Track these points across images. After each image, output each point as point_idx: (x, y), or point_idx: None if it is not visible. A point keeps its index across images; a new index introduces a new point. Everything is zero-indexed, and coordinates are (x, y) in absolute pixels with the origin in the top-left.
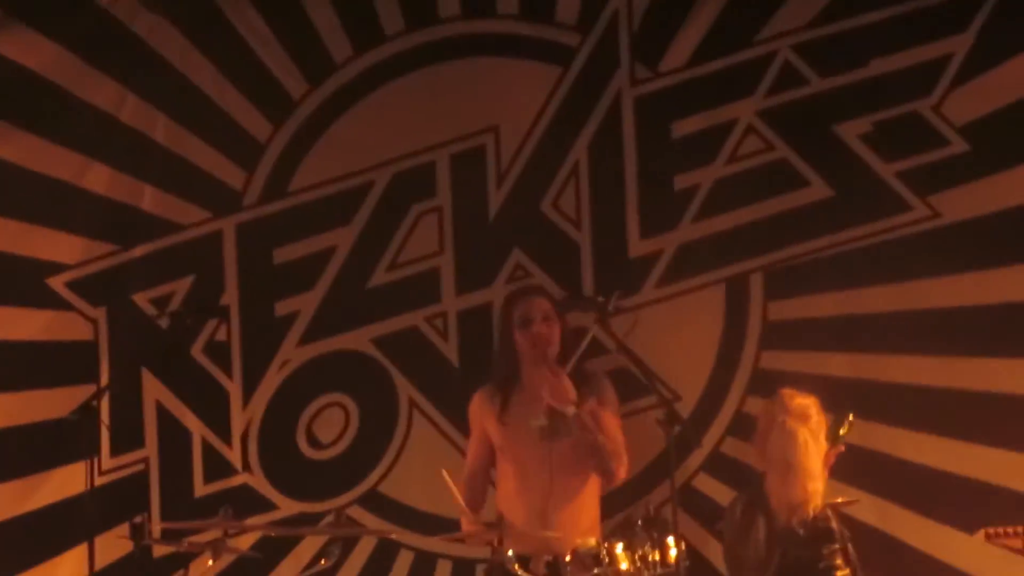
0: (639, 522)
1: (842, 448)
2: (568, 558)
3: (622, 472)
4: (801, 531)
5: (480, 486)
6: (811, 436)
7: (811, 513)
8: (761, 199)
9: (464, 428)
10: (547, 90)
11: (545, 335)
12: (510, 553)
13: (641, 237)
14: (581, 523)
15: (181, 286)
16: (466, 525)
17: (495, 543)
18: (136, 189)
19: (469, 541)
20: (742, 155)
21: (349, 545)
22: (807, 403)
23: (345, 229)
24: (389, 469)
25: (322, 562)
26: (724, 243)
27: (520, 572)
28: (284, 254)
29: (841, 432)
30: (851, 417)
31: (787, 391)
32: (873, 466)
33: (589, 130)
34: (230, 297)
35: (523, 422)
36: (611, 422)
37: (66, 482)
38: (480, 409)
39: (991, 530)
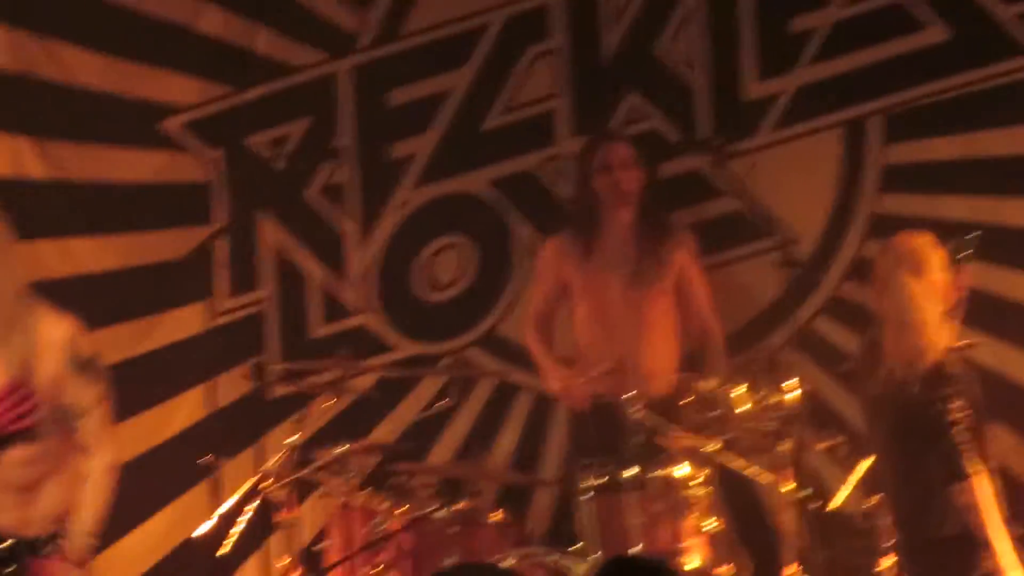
0: (759, 365)
1: (968, 279)
2: (689, 399)
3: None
4: (918, 381)
5: (549, 331)
6: (925, 285)
7: (929, 362)
8: (880, 42)
9: None
10: None
11: (624, 180)
12: (626, 396)
13: (759, 79)
14: (666, 367)
15: (296, 128)
16: (554, 371)
17: (605, 387)
18: (250, 31)
19: (585, 385)
20: None
21: (467, 387)
22: (921, 244)
23: (460, 71)
24: (507, 311)
25: (442, 403)
26: (842, 86)
27: (638, 413)
28: (399, 96)
29: (962, 256)
30: (974, 236)
31: (900, 236)
32: (991, 309)
33: None
34: (346, 139)
35: (606, 267)
36: (701, 279)
37: (184, 322)
38: (556, 256)
39: None
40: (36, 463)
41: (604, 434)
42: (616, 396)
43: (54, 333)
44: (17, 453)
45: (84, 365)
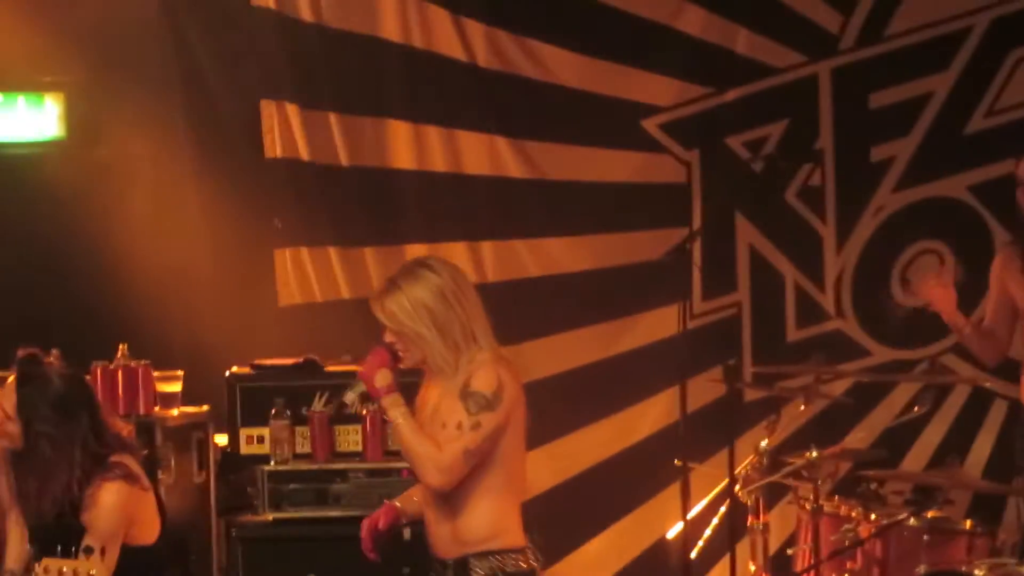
0: None
1: None
2: None
3: None
4: None
5: (993, 344)
6: None
7: None
8: None
9: None
10: None
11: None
12: None
13: None
14: None
15: (775, 130)
16: None
17: None
18: (730, 31)
19: None
20: None
21: (942, 393)
22: None
23: (942, 74)
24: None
25: (915, 409)
26: None
27: None
28: (880, 99)
29: None
30: None
31: None
32: None
33: None
34: (824, 141)
35: None
36: None
37: (658, 324)
38: (1002, 268)
39: None
40: None
41: None
42: None
43: None
44: None
45: None
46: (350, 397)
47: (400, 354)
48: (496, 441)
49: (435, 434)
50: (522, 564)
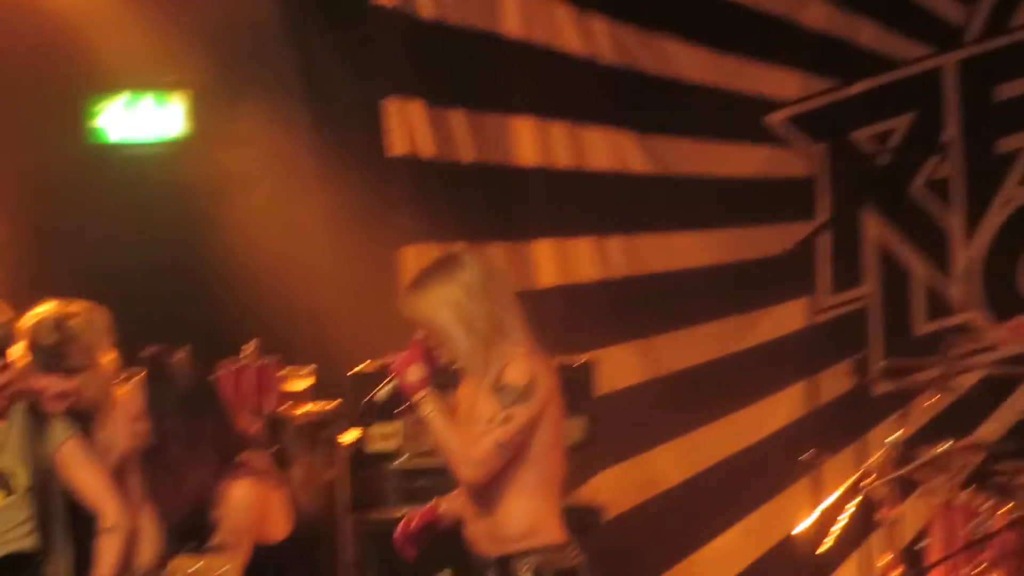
0: None
1: None
2: None
3: None
4: None
5: None
6: None
7: None
8: None
9: None
10: None
11: None
12: None
13: None
14: None
15: (900, 123)
16: None
17: None
18: (854, 24)
19: None
20: None
21: None
22: None
23: None
24: None
25: None
26: None
27: None
28: (1006, 91)
29: None
30: None
31: None
32: None
33: None
34: (950, 134)
35: None
36: None
37: (786, 318)
38: None
39: None
40: None
41: None
42: None
43: None
44: None
45: None
46: (383, 393)
47: (434, 351)
48: (530, 435)
49: (471, 430)
50: (566, 561)
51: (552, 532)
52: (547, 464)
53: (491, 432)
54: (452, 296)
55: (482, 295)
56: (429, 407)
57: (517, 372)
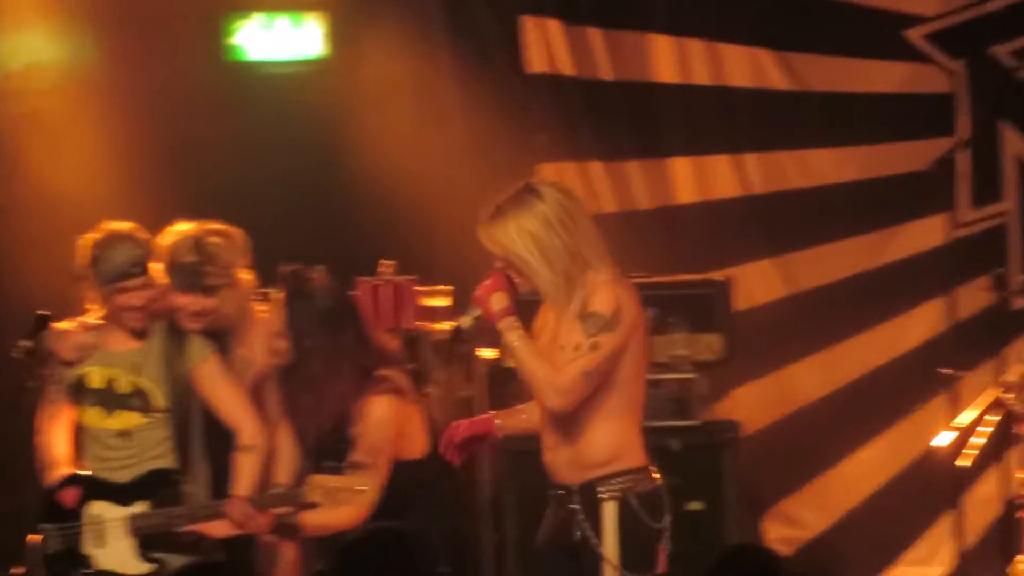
0: None
1: None
2: None
3: None
4: None
5: None
6: None
7: None
8: None
9: None
10: None
11: None
12: None
13: None
14: None
15: None
16: None
17: None
18: None
19: None
20: None
21: None
22: None
23: None
24: None
25: None
26: None
27: None
28: None
29: None
30: None
31: None
32: None
33: None
34: None
35: None
36: None
37: (925, 234)
38: None
39: None
40: None
41: None
42: None
43: None
44: None
45: None
46: (466, 321)
47: (514, 280)
48: (616, 362)
49: (554, 358)
50: (649, 482)
51: (636, 456)
52: (631, 390)
53: (578, 360)
54: (529, 227)
55: (560, 226)
56: (514, 335)
57: (603, 300)
